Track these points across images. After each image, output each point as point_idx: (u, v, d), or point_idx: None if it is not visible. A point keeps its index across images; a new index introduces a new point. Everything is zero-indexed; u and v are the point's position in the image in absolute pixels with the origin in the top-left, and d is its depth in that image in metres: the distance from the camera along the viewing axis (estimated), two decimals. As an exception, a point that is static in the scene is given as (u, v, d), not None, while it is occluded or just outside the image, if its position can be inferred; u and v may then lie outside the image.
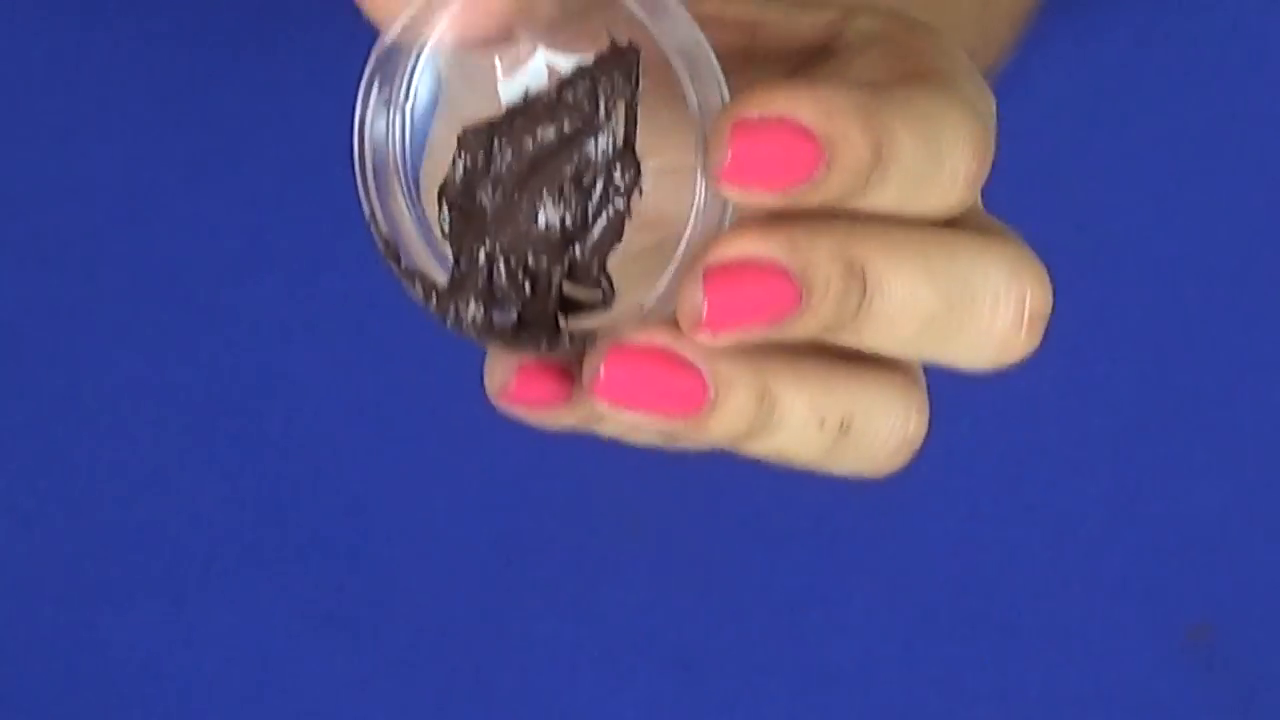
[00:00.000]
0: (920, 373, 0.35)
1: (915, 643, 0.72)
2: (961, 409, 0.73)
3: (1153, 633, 0.73)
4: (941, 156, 0.31)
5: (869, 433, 0.33)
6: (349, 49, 0.75)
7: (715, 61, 0.32)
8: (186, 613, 0.74)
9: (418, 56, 0.36)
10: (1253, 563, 0.74)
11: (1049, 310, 0.35)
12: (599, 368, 0.32)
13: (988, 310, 0.33)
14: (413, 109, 0.36)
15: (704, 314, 0.31)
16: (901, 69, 0.33)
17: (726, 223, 0.32)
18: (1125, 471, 0.74)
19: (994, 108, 0.34)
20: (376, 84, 0.35)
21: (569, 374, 0.34)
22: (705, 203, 0.32)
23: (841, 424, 0.33)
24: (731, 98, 0.32)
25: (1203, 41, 0.75)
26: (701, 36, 0.33)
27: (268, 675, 0.73)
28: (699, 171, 0.32)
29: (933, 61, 0.33)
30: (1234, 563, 0.73)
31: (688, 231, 0.32)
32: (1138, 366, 0.74)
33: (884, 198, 0.31)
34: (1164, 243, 0.75)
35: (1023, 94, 0.66)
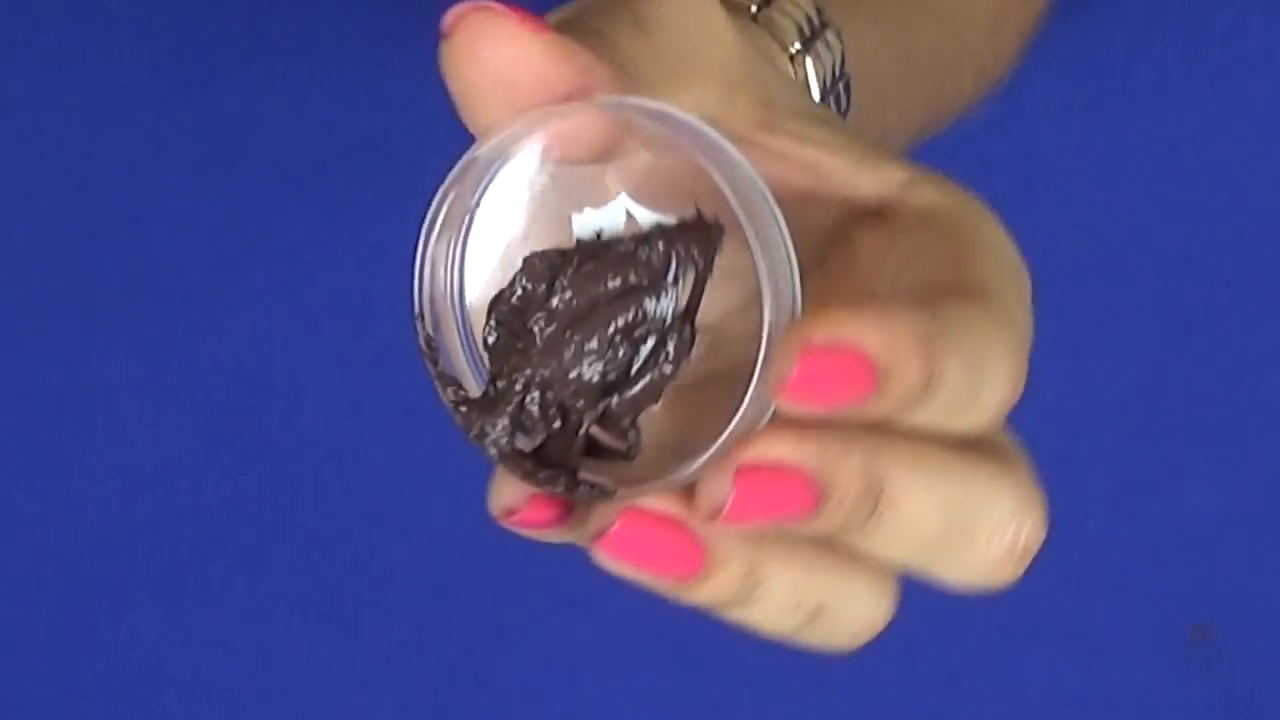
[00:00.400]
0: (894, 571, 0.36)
1: (915, 643, 0.72)
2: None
3: (1153, 633, 0.73)
4: (983, 386, 0.32)
5: (837, 619, 0.34)
6: (348, 50, 0.75)
7: (795, 261, 0.33)
8: (186, 613, 0.74)
9: (501, 165, 0.35)
10: (1253, 563, 0.74)
11: (1040, 544, 0.36)
12: (610, 524, 0.33)
13: (984, 540, 0.34)
14: (477, 219, 0.36)
15: (727, 507, 0.31)
16: (955, 270, 0.34)
17: (765, 421, 0.32)
18: (1125, 471, 0.74)
19: (1031, 319, 0.35)
20: (456, 184, 0.34)
21: (565, 500, 0.35)
22: (752, 399, 0.32)
23: (815, 609, 0.34)
24: (803, 299, 0.33)
25: (1203, 41, 0.75)
26: (787, 235, 0.33)
27: (268, 675, 0.74)
28: (756, 373, 0.32)
29: (982, 269, 0.34)
30: (1234, 563, 0.74)
31: (733, 423, 0.33)
32: (1138, 366, 0.74)
33: (920, 420, 0.32)
34: (1164, 242, 0.75)
35: (1023, 94, 0.66)
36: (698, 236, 0.34)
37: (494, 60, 0.32)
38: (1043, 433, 0.79)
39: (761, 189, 0.33)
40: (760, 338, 0.32)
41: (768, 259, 0.32)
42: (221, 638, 0.73)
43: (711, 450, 0.32)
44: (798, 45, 0.40)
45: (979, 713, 0.73)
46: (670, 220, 0.35)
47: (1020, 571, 0.35)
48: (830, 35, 0.41)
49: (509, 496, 0.35)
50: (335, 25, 0.74)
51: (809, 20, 0.41)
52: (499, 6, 0.32)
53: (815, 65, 0.40)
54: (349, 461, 0.74)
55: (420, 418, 0.77)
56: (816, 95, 0.41)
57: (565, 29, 0.33)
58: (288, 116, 0.74)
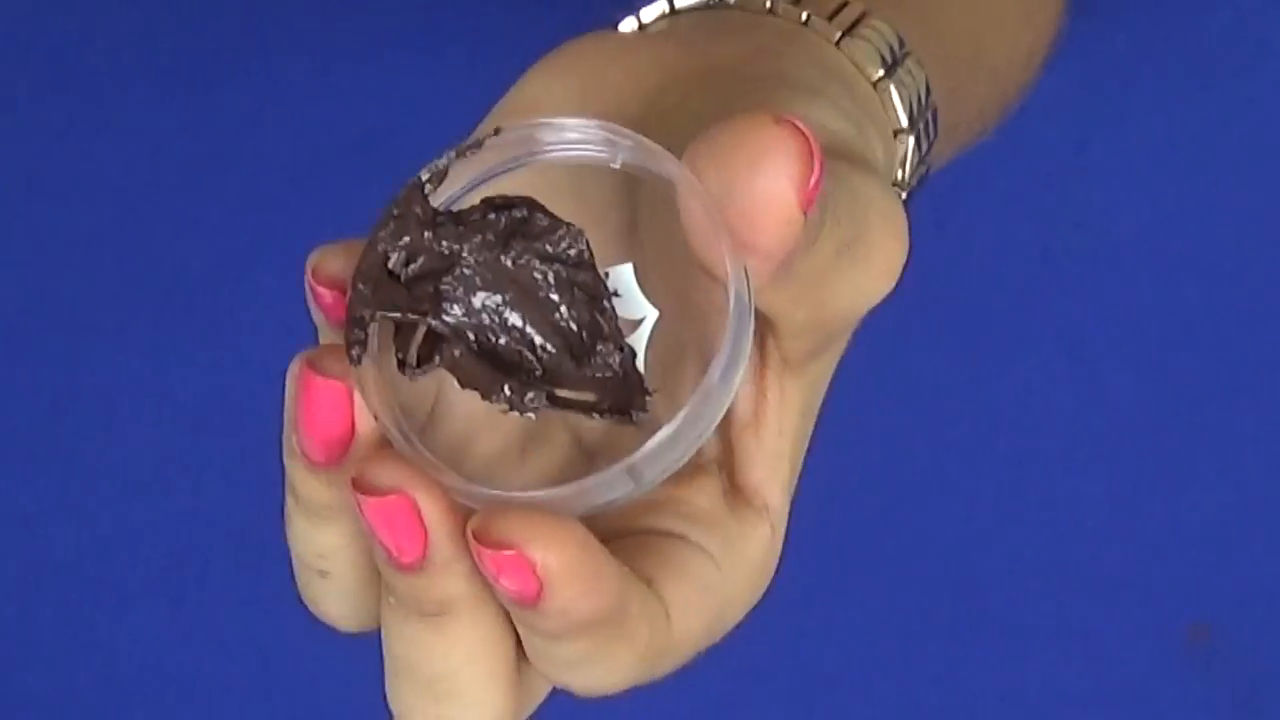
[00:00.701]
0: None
1: (915, 643, 0.72)
2: (962, 409, 0.73)
3: (1153, 633, 0.73)
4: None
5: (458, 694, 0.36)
6: (348, 50, 0.75)
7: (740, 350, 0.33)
8: (186, 613, 0.74)
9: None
10: (1253, 563, 0.74)
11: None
12: (388, 488, 0.34)
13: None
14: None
15: (479, 539, 0.32)
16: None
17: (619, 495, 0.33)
18: (1125, 471, 0.74)
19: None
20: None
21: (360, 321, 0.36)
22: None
23: (435, 677, 0.36)
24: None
25: (1203, 41, 0.75)
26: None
27: (268, 675, 0.73)
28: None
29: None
30: (1234, 563, 0.73)
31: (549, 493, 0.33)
32: (1138, 366, 0.74)
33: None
34: (1164, 242, 0.75)
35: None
36: (621, 403, 0.34)
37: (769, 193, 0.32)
38: (1043, 433, 0.79)
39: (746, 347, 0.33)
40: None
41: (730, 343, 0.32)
42: (221, 638, 0.73)
43: (542, 494, 0.33)
44: (881, 72, 0.40)
45: (979, 713, 0.73)
46: (628, 348, 0.34)
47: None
48: (912, 64, 0.41)
49: (337, 267, 0.37)
50: (335, 25, 0.74)
51: (890, 48, 0.41)
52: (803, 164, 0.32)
53: (899, 90, 0.41)
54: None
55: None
56: (904, 121, 0.41)
57: None
58: (288, 116, 0.74)
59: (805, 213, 0.31)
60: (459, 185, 0.35)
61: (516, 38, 0.70)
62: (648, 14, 0.41)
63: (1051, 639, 0.73)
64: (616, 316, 0.34)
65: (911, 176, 0.42)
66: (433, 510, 0.33)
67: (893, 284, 0.35)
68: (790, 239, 0.31)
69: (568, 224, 0.34)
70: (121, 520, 0.74)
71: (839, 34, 0.41)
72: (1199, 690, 0.73)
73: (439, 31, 0.74)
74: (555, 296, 0.34)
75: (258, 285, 0.74)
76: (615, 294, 0.34)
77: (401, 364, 0.34)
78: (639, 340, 0.34)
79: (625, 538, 0.36)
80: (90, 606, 0.73)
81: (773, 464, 0.37)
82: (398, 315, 0.34)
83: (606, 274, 0.34)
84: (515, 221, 0.34)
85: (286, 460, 0.35)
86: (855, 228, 0.34)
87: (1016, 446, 0.73)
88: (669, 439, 0.32)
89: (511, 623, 0.35)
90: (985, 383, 0.74)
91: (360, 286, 0.34)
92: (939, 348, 0.73)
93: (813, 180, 0.31)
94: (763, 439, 0.36)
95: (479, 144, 0.34)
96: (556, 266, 0.34)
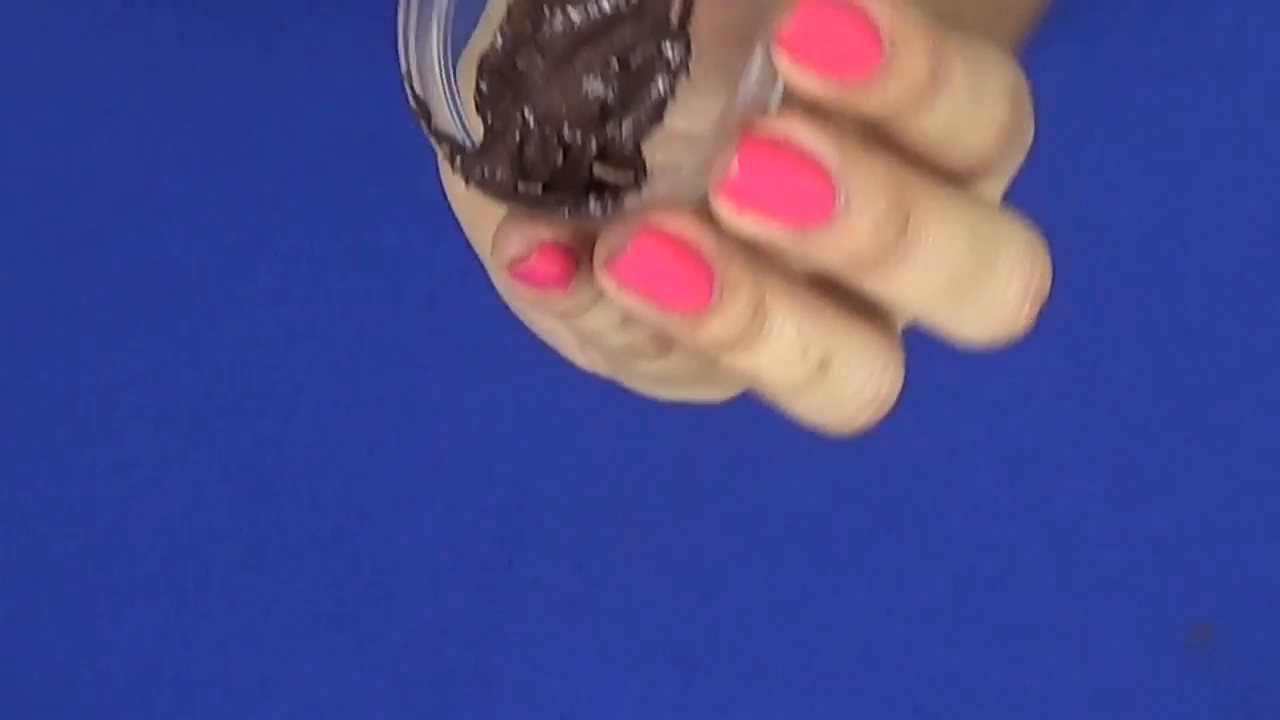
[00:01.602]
0: (900, 336, 0.35)
1: (915, 643, 0.72)
2: (961, 409, 0.73)
3: (1153, 633, 0.73)
4: (985, 96, 0.31)
5: (845, 377, 0.33)
6: (348, 50, 0.75)
7: None
8: (186, 613, 0.74)
9: None
10: (1253, 563, 0.74)
11: (1048, 294, 0.35)
12: (623, 245, 0.31)
13: (1004, 279, 0.33)
14: None
15: (732, 176, 0.30)
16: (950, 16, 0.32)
17: (773, 107, 0.31)
18: (1125, 471, 0.74)
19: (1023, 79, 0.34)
20: None
21: (578, 261, 0.33)
22: (758, 76, 0.30)
23: (822, 360, 0.32)
24: None
25: (1203, 41, 0.75)
26: None
27: (268, 675, 0.73)
28: (761, 43, 0.30)
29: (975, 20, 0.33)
30: (1234, 563, 0.73)
31: (736, 101, 0.31)
32: (1138, 366, 0.74)
33: (931, 123, 0.31)
34: (1164, 242, 0.75)
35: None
36: None
37: None
38: (1043, 433, 0.79)
39: None
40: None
41: None
42: (221, 638, 0.73)
43: (718, 132, 0.31)
44: None
45: (979, 713, 0.73)
46: None
47: (1032, 322, 0.34)
48: None
49: (515, 245, 0.33)
50: (335, 25, 0.74)
51: None
52: None
53: None
54: (349, 461, 0.74)
55: (421, 417, 0.77)
56: None
57: None
58: (288, 116, 0.74)
59: None
60: None
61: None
62: None
63: (1051, 639, 0.73)
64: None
65: None
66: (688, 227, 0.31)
67: None
68: None
69: None
70: (121, 520, 0.74)
71: None
72: (1199, 690, 0.73)
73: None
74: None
75: (258, 285, 0.74)
76: None
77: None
78: None
79: None
80: (90, 606, 0.73)
81: None
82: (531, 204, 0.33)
83: None
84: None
85: (693, 339, 0.32)
86: None
87: (1016, 446, 0.73)
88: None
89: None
90: (985, 382, 0.74)
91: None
92: (939, 347, 0.73)
93: None
94: None
95: None
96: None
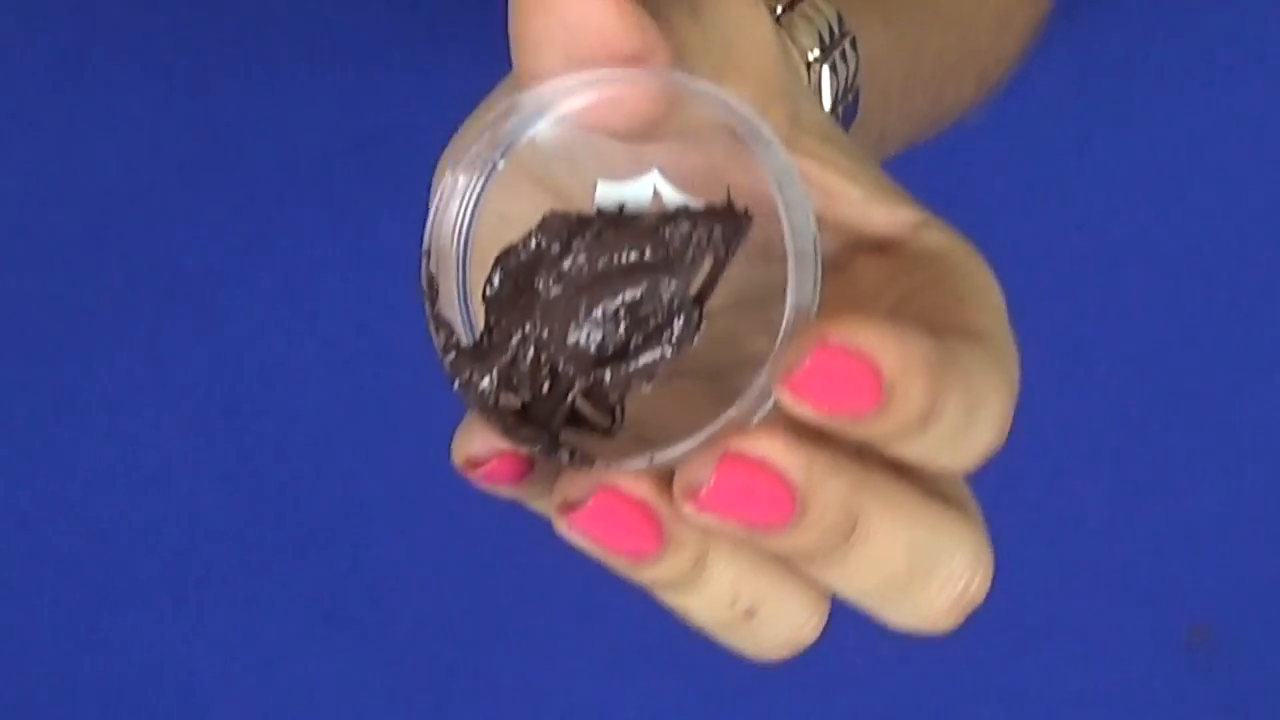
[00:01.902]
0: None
1: (915, 642, 0.72)
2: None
3: (1153, 633, 0.73)
4: (974, 427, 0.33)
5: (768, 624, 0.34)
6: (348, 49, 0.75)
7: (819, 260, 0.32)
8: (186, 613, 0.74)
9: (534, 123, 0.34)
10: (1253, 563, 0.74)
11: (982, 601, 0.36)
12: (583, 498, 0.33)
13: (935, 589, 0.35)
14: (502, 165, 0.35)
15: (704, 493, 0.31)
16: (958, 314, 0.34)
17: (759, 414, 0.32)
18: (1125, 471, 0.74)
19: (1019, 369, 0.35)
20: (492, 124, 0.34)
21: (532, 465, 0.35)
22: (753, 392, 0.32)
23: (749, 609, 0.34)
24: (820, 301, 0.32)
25: (1203, 42, 0.75)
26: (815, 229, 0.32)
27: (268, 675, 0.74)
28: (768, 365, 0.32)
29: (983, 317, 0.34)
30: (1234, 563, 0.74)
31: (729, 413, 0.32)
32: (1138, 366, 0.74)
33: (909, 452, 0.32)
34: (1164, 242, 0.75)
35: (1023, 94, 0.66)
36: (724, 223, 0.34)
37: (564, 11, 0.32)
38: (1043, 432, 0.79)
39: (802, 190, 0.32)
40: (779, 328, 0.32)
41: (798, 255, 0.32)
42: (222, 638, 0.73)
43: (702, 434, 0.32)
44: (817, 53, 0.40)
45: (979, 713, 0.73)
46: (698, 204, 0.34)
47: (960, 622, 0.35)
48: (848, 46, 0.41)
49: (477, 447, 0.35)
50: (335, 25, 0.74)
51: (830, 29, 0.41)
52: None
53: (831, 78, 0.40)
54: (349, 461, 0.74)
55: (420, 416, 0.77)
56: (828, 104, 0.41)
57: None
58: (288, 116, 0.74)
59: None
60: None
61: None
62: None
63: (1051, 639, 0.73)
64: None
65: (839, 101, 0.41)
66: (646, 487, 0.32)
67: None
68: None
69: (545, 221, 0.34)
70: (121, 520, 0.74)
71: (779, 9, 0.40)
72: (1199, 690, 0.73)
73: (439, 31, 0.74)
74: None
75: (258, 285, 0.74)
76: (656, 194, 0.34)
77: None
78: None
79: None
80: (90, 606, 0.74)
81: (878, 196, 0.36)
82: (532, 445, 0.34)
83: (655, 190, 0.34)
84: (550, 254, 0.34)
85: (638, 579, 0.34)
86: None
87: (1016, 446, 0.73)
88: (792, 309, 0.32)
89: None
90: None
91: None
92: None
93: None
94: (854, 185, 0.36)
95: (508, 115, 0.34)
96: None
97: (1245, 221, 0.75)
